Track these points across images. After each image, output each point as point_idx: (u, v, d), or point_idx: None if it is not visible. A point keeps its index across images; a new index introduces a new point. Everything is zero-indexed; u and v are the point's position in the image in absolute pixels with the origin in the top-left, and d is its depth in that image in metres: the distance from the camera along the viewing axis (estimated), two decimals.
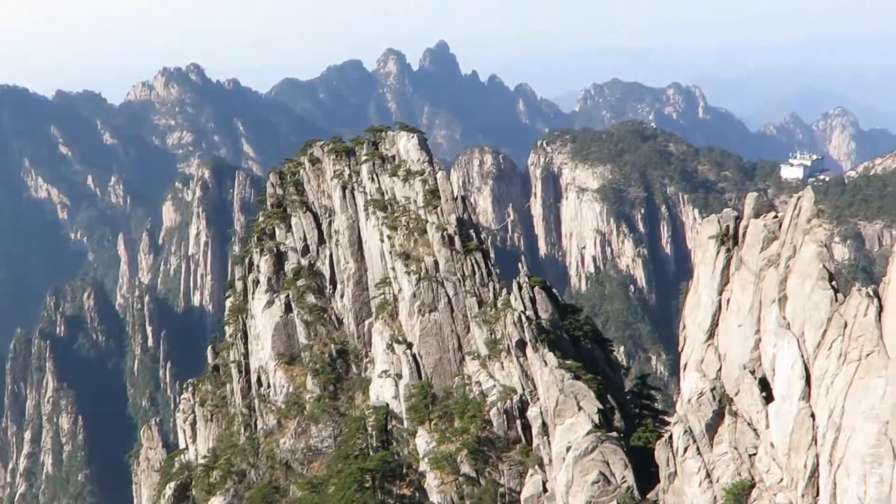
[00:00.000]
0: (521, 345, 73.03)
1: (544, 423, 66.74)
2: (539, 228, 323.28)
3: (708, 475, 49.96)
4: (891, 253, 39.99)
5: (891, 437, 38.33)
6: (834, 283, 44.41)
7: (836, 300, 43.17)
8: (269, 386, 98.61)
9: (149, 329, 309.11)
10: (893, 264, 39.38)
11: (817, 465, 42.98)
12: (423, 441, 78.28)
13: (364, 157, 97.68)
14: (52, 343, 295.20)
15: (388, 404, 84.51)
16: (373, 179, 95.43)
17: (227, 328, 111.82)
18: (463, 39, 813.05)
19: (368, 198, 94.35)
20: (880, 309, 40.09)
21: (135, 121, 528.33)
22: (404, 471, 79.62)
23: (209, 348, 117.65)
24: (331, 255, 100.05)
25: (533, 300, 77.78)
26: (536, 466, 67.47)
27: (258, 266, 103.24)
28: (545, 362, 67.30)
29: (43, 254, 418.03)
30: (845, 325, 41.67)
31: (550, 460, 63.16)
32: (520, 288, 77.79)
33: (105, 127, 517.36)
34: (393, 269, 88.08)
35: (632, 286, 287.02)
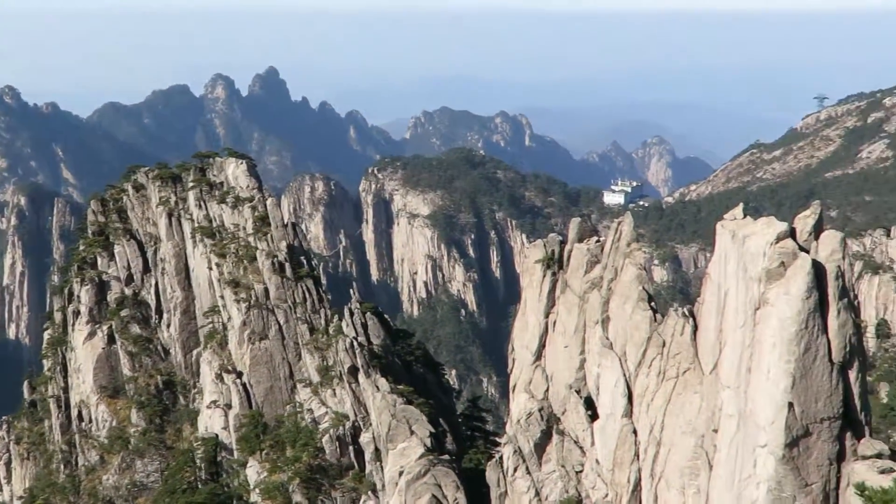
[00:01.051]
0: (354, 371, 73.06)
1: (377, 449, 66.88)
2: (371, 254, 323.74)
3: (537, 493, 51.03)
4: (704, 275, 41.99)
5: (706, 449, 40.08)
6: (653, 303, 46.20)
7: (655, 320, 44.90)
8: (90, 421, 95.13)
9: None
10: (707, 285, 41.26)
11: (640, 479, 44.52)
12: (253, 471, 77.14)
13: (191, 184, 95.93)
14: None
15: (217, 435, 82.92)
16: (200, 206, 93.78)
17: (45, 361, 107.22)
18: (293, 66, 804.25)
19: (196, 225, 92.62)
20: (695, 328, 41.94)
21: None
22: (235, 503, 78.25)
23: (25, 383, 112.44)
24: (156, 284, 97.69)
25: (365, 326, 78.01)
26: (369, 492, 67.51)
27: (79, 296, 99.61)
28: (377, 388, 67.50)
29: None
30: (664, 344, 43.34)
31: (384, 485, 63.25)
32: (351, 314, 77.91)
33: None
34: (222, 297, 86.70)
35: (463, 310, 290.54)
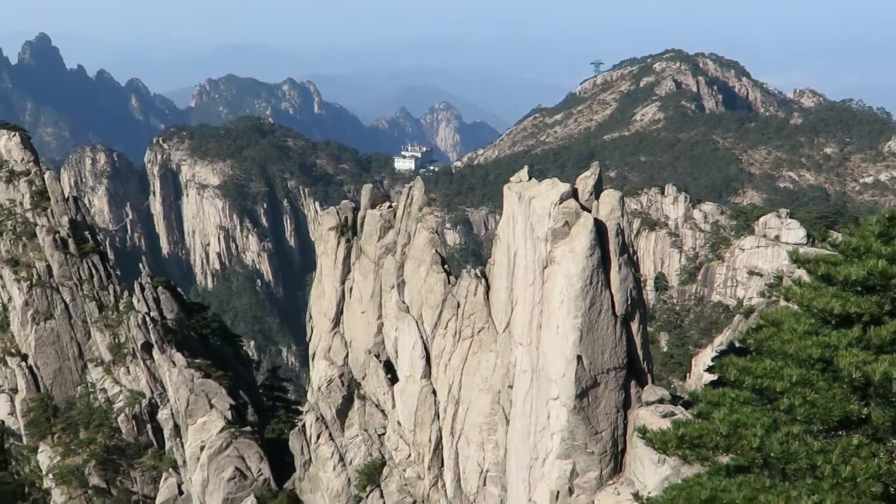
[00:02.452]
0: (147, 347, 71.05)
1: (176, 425, 65.40)
2: (160, 227, 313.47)
3: (341, 458, 51.36)
4: (494, 236, 43.06)
5: (503, 405, 41.34)
6: (446, 266, 47.09)
7: (449, 282, 45.79)
8: None
9: None
10: (497, 247, 42.36)
11: (441, 437, 45.51)
12: (45, 457, 74.11)
13: None
14: None
15: (3, 422, 79.24)
16: None
17: None
18: (66, 33, 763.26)
19: None
20: (488, 288, 43.08)
21: None
22: (26, 490, 75.08)
23: None
24: None
25: (157, 300, 75.88)
26: (170, 469, 66.08)
27: None
28: (173, 363, 65.90)
29: None
30: (458, 305, 44.31)
31: (185, 461, 62.01)
32: (142, 289, 75.60)
33: None
34: (1, 276, 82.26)
35: (258, 280, 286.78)
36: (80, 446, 72.52)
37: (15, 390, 78.78)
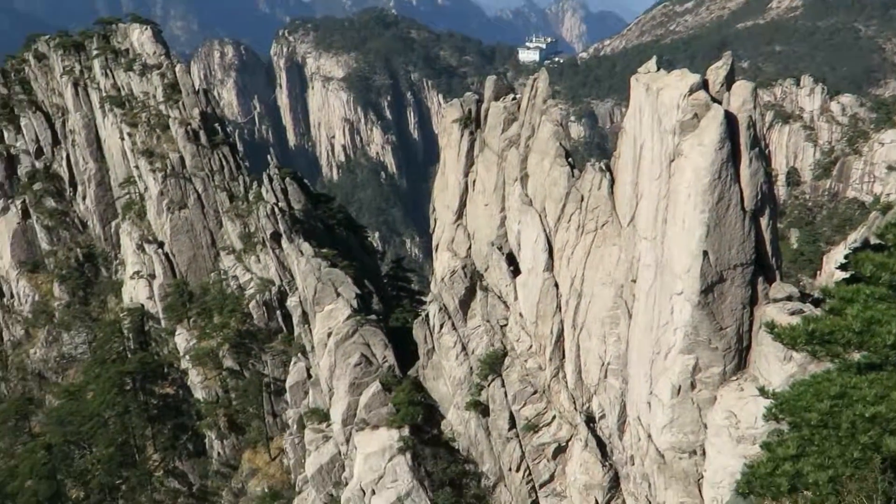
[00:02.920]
0: (276, 236, 72.81)
1: (304, 312, 67.22)
2: (287, 119, 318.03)
3: (464, 348, 52.13)
4: (620, 129, 42.16)
5: (625, 299, 41.10)
6: (570, 159, 46.41)
7: (573, 176, 45.13)
8: (11, 296, 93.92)
9: None
10: (622, 139, 41.49)
11: (562, 330, 45.63)
12: (182, 339, 77.47)
13: (95, 52, 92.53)
14: None
15: (143, 305, 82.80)
16: (107, 75, 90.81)
17: None
18: None
19: (104, 94, 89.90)
20: (612, 182, 42.35)
21: None
22: (165, 370, 78.86)
23: None
24: (68, 156, 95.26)
25: (285, 191, 77.42)
26: (299, 354, 68.20)
27: None
28: (301, 252, 67.40)
29: None
30: (582, 199, 43.73)
31: (312, 347, 63.91)
32: (270, 180, 77.18)
33: None
34: (136, 167, 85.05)
35: (383, 173, 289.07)
36: (214, 330, 75.44)
37: (153, 276, 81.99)
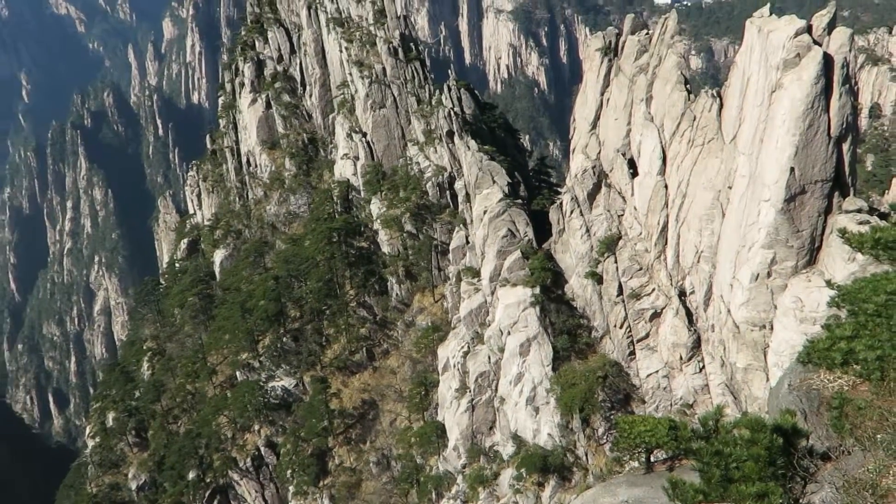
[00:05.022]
0: (450, 134, 72.90)
1: (467, 193, 67.70)
2: (465, 42, 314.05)
3: (587, 230, 51.65)
4: (733, 63, 39.84)
5: (721, 202, 39.62)
6: (688, 86, 44.45)
7: (689, 99, 43.35)
8: (255, 166, 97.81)
9: (159, 121, 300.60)
10: (733, 72, 39.34)
11: (667, 222, 44.55)
12: (376, 207, 79.24)
13: None
14: (82, 132, 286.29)
15: (348, 180, 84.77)
16: (332, 1, 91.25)
17: (220, 121, 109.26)
18: None
19: (329, 16, 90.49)
20: (721, 106, 40.43)
21: None
22: (362, 229, 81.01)
23: (207, 136, 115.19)
24: (301, 63, 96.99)
25: (459, 99, 77.03)
26: (461, 225, 69.01)
27: (243, 71, 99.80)
28: (468, 147, 67.45)
29: (67, 61, 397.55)
30: (694, 119, 42.05)
31: (472, 221, 64.54)
32: (449, 90, 76.81)
33: None
34: (350, 74, 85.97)
35: (536, 89, 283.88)
36: (399, 202, 76.75)
37: (357, 158, 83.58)
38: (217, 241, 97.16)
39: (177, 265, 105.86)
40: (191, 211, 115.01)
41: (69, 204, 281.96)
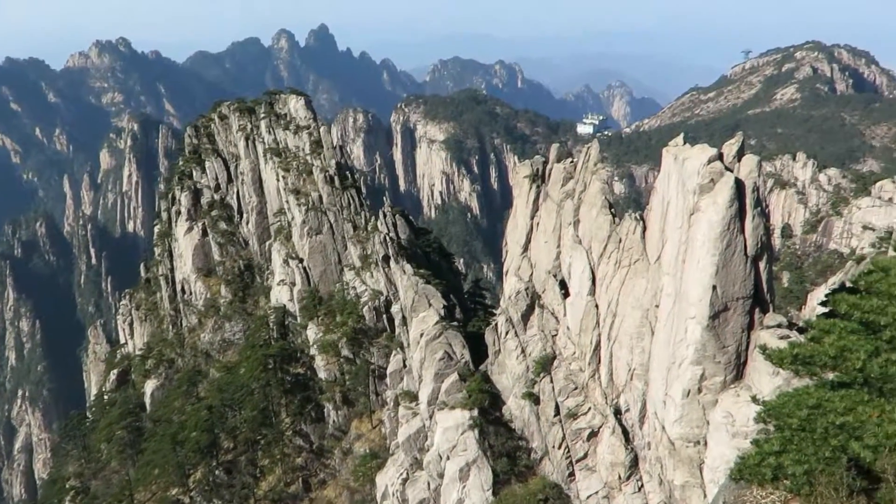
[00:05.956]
0: (386, 258, 73.38)
1: (404, 317, 67.54)
2: (399, 171, 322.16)
3: (523, 351, 51.75)
4: (653, 188, 41.67)
5: (650, 320, 40.39)
6: (612, 210, 46.03)
7: (614, 223, 44.78)
8: (190, 293, 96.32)
9: (92, 250, 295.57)
10: (654, 196, 41.02)
11: (599, 341, 45.03)
12: (312, 332, 78.31)
13: (262, 115, 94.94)
14: (12, 263, 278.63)
15: (285, 305, 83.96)
16: (270, 132, 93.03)
17: (155, 249, 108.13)
18: (339, 24, 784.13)
19: (266, 147, 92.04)
20: (644, 229, 41.88)
21: (74, 83, 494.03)
22: (298, 355, 79.66)
23: (142, 265, 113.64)
24: (238, 192, 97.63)
25: (395, 225, 78.01)
26: (398, 349, 68.43)
27: (180, 200, 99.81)
28: (404, 271, 67.86)
29: (0, 192, 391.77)
30: (620, 241, 43.34)
31: (408, 344, 64.13)
32: (384, 215, 77.86)
33: (49, 88, 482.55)
34: (287, 201, 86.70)
35: (468, 214, 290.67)
36: (336, 327, 76.03)
37: (293, 283, 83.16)
38: (148, 371, 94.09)
39: (105, 397, 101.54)
40: (122, 341, 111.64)
41: None
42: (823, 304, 22.63)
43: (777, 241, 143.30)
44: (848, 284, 23.76)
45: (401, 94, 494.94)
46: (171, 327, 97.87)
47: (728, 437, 33.75)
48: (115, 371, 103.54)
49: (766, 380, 32.56)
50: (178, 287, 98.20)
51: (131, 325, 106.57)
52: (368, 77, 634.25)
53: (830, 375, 17.14)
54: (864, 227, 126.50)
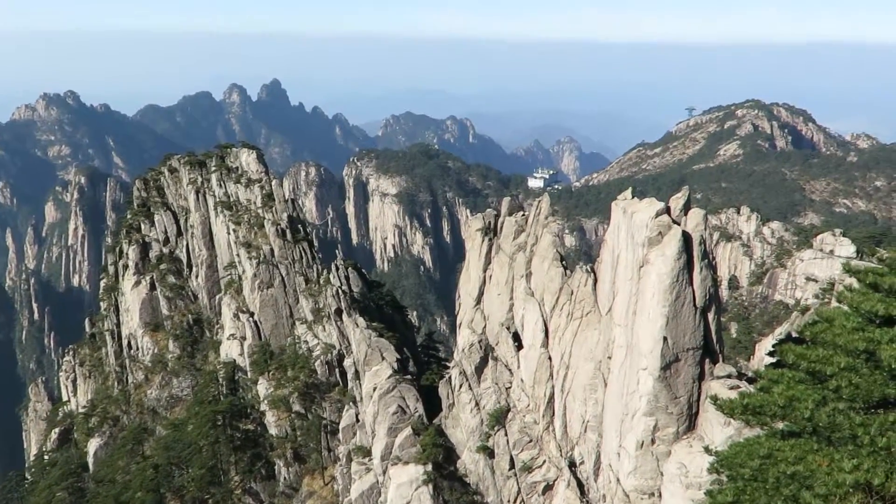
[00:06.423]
0: (339, 312, 72.86)
1: (357, 371, 66.82)
2: (352, 224, 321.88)
3: (477, 404, 51.45)
4: (603, 241, 42.32)
5: (602, 371, 40.60)
6: (564, 262, 46.54)
7: (566, 275, 45.25)
8: (137, 348, 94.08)
9: (34, 305, 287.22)
10: (604, 249, 41.63)
11: (553, 393, 45.05)
12: (263, 387, 76.94)
13: (213, 168, 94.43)
14: None
15: (235, 360, 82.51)
16: (221, 185, 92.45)
17: (101, 303, 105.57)
18: (292, 79, 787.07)
19: (217, 200, 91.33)
20: (595, 281, 42.36)
21: (19, 136, 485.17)
22: (249, 411, 78.06)
23: (87, 320, 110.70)
24: (187, 245, 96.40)
25: (347, 278, 77.76)
26: (351, 403, 67.49)
27: (127, 254, 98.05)
28: (357, 324, 67.37)
29: None
30: (572, 293, 43.73)
31: (361, 398, 63.32)
32: (337, 269, 77.58)
33: None
34: (238, 255, 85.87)
35: (422, 266, 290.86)
36: (287, 381, 74.79)
37: (244, 338, 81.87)
38: (92, 429, 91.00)
39: (46, 457, 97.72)
40: (65, 398, 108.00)
41: None
42: (771, 354, 23.07)
43: (724, 292, 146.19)
44: (794, 335, 24.29)
45: (353, 149, 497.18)
46: (116, 384, 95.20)
47: (682, 488, 33.81)
48: (57, 430, 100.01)
49: (717, 430, 32.85)
50: (125, 342, 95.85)
51: (74, 381, 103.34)
52: (321, 131, 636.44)
53: (780, 425, 17.39)
54: (808, 279, 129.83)
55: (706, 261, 35.40)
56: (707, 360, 35.36)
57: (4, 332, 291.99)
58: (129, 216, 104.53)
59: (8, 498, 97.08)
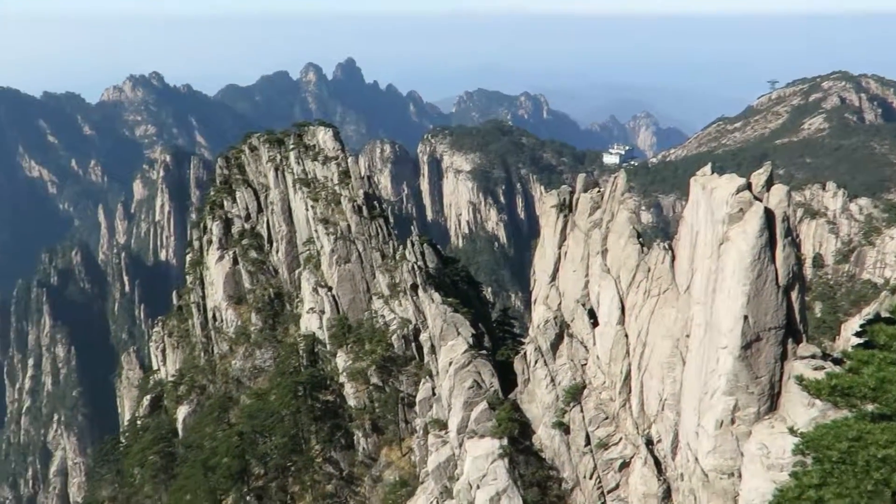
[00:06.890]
0: (415, 287, 73.55)
1: (432, 345, 67.51)
2: (427, 200, 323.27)
3: (552, 380, 51.37)
4: (681, 218, 41.43)
5: (681, 350, 39.96)
6: (640, 239, 45.80)
7: (643, 252, 44.56)
8: (221, 321, 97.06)
9: (125, 278, 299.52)
10: (682, 226, 40.76)
11: (630, 371, 44.59)
12: (341, 360, 78.44)
13: (291, 146, 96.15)
14: (48, 290, 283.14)
15: (314, 333, 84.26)
16: (299, 163, 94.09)
17: (187, 277, 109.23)
18: (365, 57, 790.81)
19: (295, 177, 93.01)
20: (673, 258, 41.58)
21: (108, 117, 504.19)
22: (328, 382, 79.84)
23: (174, 293, 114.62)
24: (268, 221, 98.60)
25: (423, 254, 78.30)
26: (427, 377, 68.30)
27: (211, 229, 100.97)
28: (432, 300, 67.92)
29: (37, 221, 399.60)
30: (649, 270, 43.06)
31: (437, 372, 63.97)
32: (412, 245, 78.21)
33: (84, 121, 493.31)
34: (316, 231, 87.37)
35: (496, 243, 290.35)
36: (365, 354, 76.14)
37: (323, 311, 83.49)
38: (180, 397, 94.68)
39: (138, 423, 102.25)
40: (155, 367, 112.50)
41: (30, 362, 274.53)
42: (859, 334, 22.34)
43: (809, 271, 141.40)
44: (884, 315, 23.41)
45: (427, 126, 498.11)
46: (202, 354, 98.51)
47: (763, 469, 33.13)
48: (148, 397, 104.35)
49: (800, 411, 32.01)
50: (210, 315, 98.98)
51: (164, 351, 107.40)
52: (395, 109, 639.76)
53: (870, 407, 16.86)
54: None
55: (789, 238, 34.32)
56: (790, 340, 34.38)
57: (98, 304, 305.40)
58: (212, 193, 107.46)
59: (104, 460, 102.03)
